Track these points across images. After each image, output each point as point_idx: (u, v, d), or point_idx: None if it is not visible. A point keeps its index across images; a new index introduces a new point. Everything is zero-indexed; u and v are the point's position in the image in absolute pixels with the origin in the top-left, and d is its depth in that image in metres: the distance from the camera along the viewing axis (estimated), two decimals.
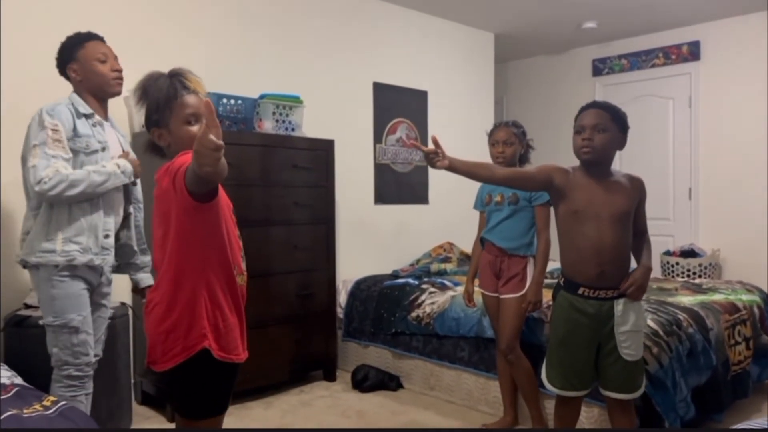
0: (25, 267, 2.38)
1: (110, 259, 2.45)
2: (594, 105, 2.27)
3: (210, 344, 1.72)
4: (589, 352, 2.27)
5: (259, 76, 3.97)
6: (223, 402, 1.82)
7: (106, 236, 2.40)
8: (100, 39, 2.46)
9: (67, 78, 2.45)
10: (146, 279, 2.64)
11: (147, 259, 2.65)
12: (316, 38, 4.34)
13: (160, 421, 3.20)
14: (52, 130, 2.27)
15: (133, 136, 3.49)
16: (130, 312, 3.07)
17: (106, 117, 2.52)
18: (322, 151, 3.85)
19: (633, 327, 2.22)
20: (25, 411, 1.74)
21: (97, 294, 2.45)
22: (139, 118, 3.42)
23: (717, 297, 3.43)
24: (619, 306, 2.22)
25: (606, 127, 2.21)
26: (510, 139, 2.98)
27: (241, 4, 3.97)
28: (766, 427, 1.54)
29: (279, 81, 4.04)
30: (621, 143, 2.29)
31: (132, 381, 3.21)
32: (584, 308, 2.24)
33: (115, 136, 2.53)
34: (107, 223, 2.41)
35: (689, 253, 5.15)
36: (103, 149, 2.42)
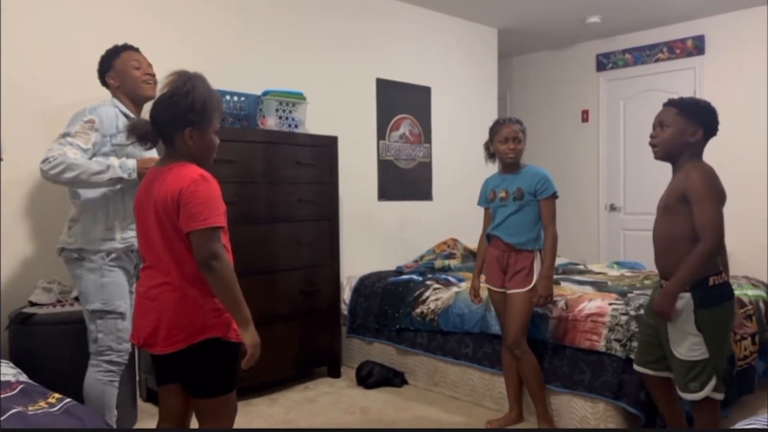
0: (72, 255, 2.49)
1: None
2: (666, 103, 2.34)
3: (212, 334, 1.82)
4: (650, 332, 2.40)
5: (262, 72, 3.96)
6: (234, 377, 1.91)
7: None
8: (135, 49, 2.70)
9: (107, 86, 2.67)
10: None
11: None
12: (319, 34, 4.33)
13: None
14: (86, 122, 2.45)
15: None
16: None
17: None
18: (326, 147, 3.85)
19: (679, 326, 2.24)
20: (30, 408, 1.75)
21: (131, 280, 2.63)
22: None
23: None
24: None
25: (670, 122, 2.28)
26: (519, 135, 2.98)
27: (244, 2, 3.95)
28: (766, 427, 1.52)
29: (282, 77, 4.03)
30: (693, 132, 2.26)
31: (137, 378, 3.21)
32: (653, 292, 2.43)
33: None
34: None
35: None
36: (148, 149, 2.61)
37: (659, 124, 2.32)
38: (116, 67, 2.64)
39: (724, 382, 2.93)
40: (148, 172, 1.99)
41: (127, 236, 2.52)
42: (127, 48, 2.68)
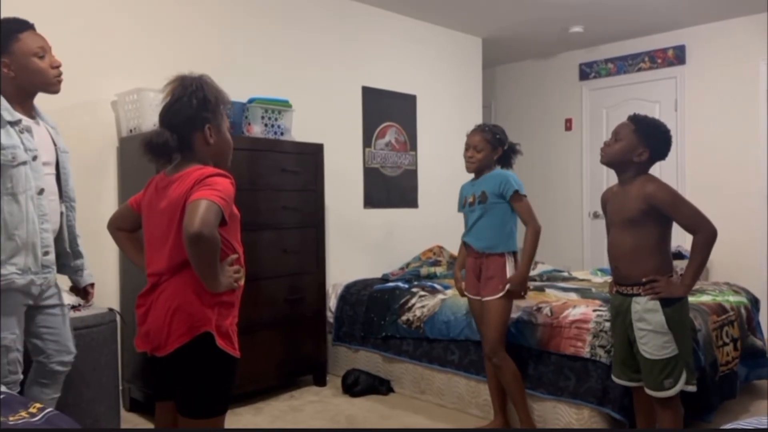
0: None
1: (52, 277, 2.20)
2: (629, 117, 2.45)
3: (213, 329, 1.76)
4: (622, 342, 2.46)
5: (248, 80, 3.96)
6: (225, 399, 1.84)
7: (46, 253, 2.14)
8: (33, 28, 2.17)
9: None
10: (87, 277, 2.45)
11: (80, 262, 2.40)
12: (305, 43, 4.34)
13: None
14: None
15: (121, 141, 3.46)
16: (118, 318, 3.04)
17: (32, 114, 2.23)
18: (311, 155, 3.85)
19: (647, 326, 2.32)
20: (10, 418, 1.72)
21: (41, 299, 2.20)
22: (147, 115, 3.40)
23: (705, 298, 3.46)
24: (636, 304, 2.35)
25: (623, 137, 2.38)
26: (479, 145, 2.99)
27: (229, 9, 3.95)
28: (762, 427, 1.54)
29: (268, 85, 4.03)
30: (640, 153, 2.36)
31: (120, 387, 3.18)
32: (614, 302, 2.51)
33: (45, 133, 2.25)
34: (45, 238, 2.14)
35: (676, 255, 5.15)
36: (34, 158, 2.11)
37: (615, 135, 2.41)
38: (14, 52, 2.08)
39: (708, 388, 2.98)
40: (158, 179, 1.85)
41: (7, 272, 2.02)
42: (26, 26, 2.13)
